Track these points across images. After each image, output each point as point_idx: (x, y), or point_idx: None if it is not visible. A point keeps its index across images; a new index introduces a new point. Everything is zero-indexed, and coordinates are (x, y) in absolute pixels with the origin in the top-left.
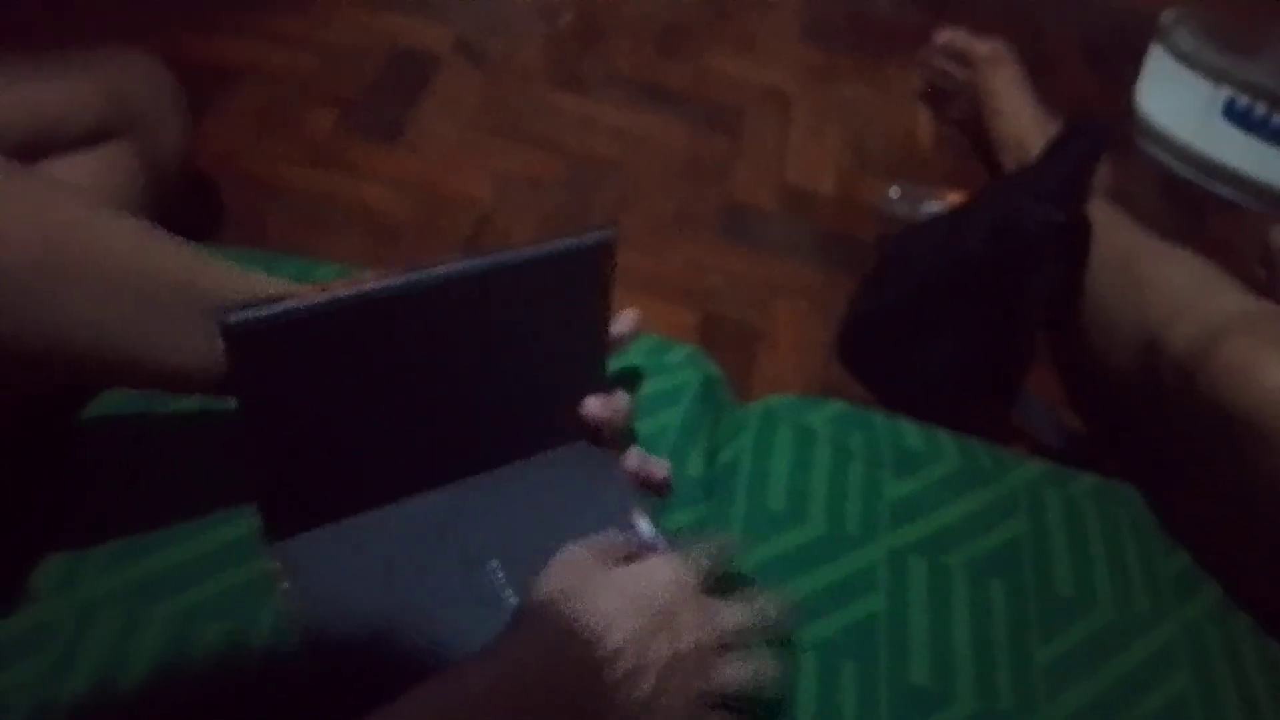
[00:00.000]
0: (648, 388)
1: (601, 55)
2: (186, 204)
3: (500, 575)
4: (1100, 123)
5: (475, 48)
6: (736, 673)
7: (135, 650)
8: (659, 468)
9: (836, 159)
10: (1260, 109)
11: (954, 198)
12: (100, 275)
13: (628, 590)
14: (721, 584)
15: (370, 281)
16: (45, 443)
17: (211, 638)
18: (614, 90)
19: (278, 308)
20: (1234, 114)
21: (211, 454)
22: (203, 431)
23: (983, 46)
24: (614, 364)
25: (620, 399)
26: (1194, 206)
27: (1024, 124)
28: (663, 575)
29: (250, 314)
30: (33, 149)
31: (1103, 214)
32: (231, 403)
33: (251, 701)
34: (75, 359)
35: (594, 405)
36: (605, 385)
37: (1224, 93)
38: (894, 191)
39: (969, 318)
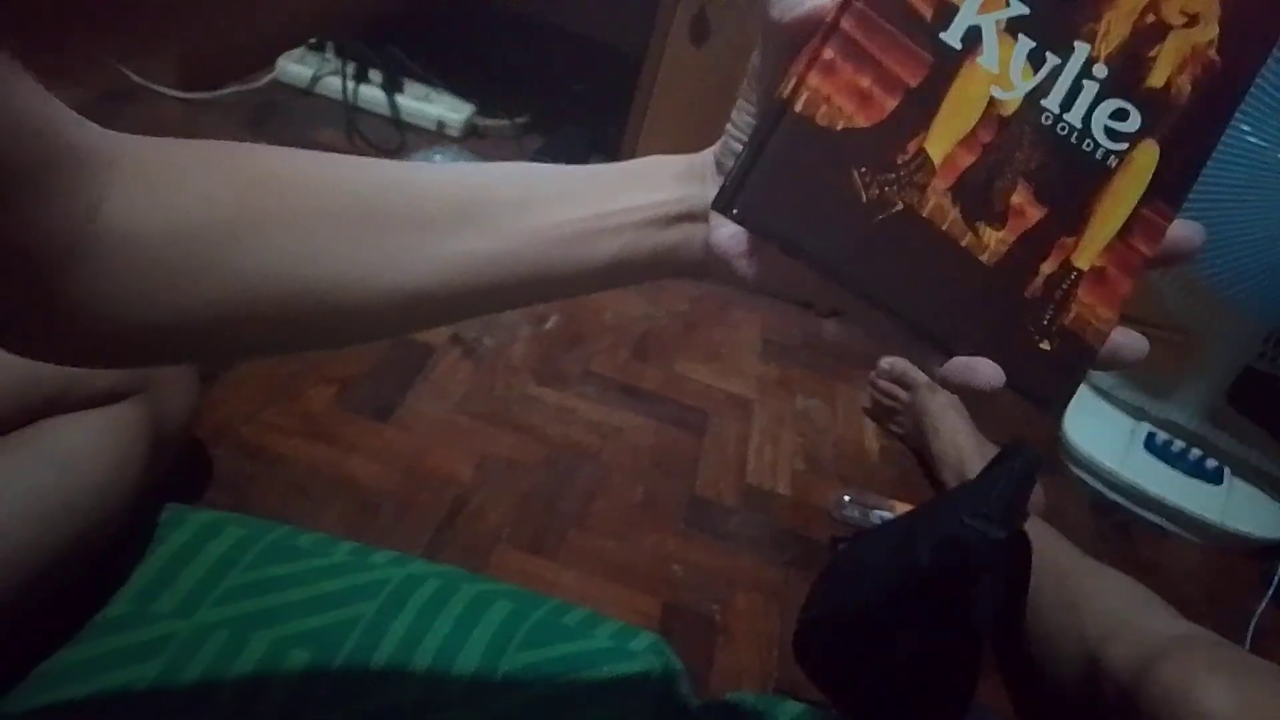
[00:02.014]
0: (611, 671)
1: (582, 355)
2: (177, 465)
3: None
4: (1032, 449)
5: (469, 342)
6: None
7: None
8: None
9: (792, 464)
10: (1177, 444)
11: (902, 507)
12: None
13: None
14: None
15: None
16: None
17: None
18: (591, 387)
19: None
20: (1154, 447)
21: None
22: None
23: (922, 373)
24: (578, 645)
25: None
26: (1123, 529)
27: (961, 444)
28: None
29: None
30: (45, 407)
31: (1039, 533)
32: None
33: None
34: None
35: None
36: None
37: (1143, 427)
38: (844, 498)
39: (920, 628)
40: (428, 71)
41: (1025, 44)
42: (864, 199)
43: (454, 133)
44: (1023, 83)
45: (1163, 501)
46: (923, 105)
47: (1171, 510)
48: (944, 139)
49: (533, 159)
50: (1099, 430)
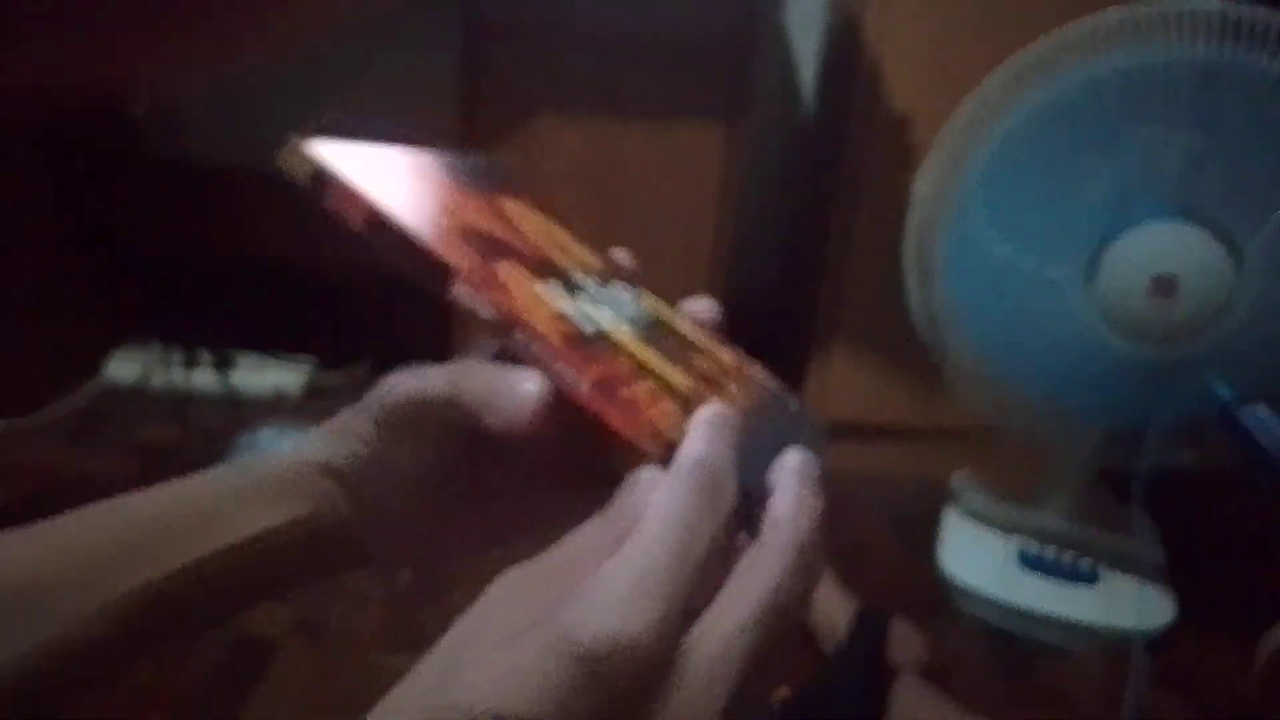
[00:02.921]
0: None
1: (442, 610)
2: None
3: None
4: (878, 609)
5: (313, 624)
6: None
7: None
8: None
9: None
10: (1050, 551)
11: (782, 692)
12: None
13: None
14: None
15: None
16: None
17: None
18: None
19: None
20: (1028, 560)
21: None
22: None
23: None
24: None
25: None
26: (1020, 657)
27: (832, 613)
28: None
29: None
30: None
31: (913, 696)
32: None
33: None
34: None
35: None
36: None
37: (1016, 542)
38: None
39: None
40: (258, 339)
41: (580, 300)
42: None
43: (294, 398)
44: (603, 313)
45: (1048, 616)
46: (656, 375)
47: (1057, 623)
48: (672, 378)
49: None
50: (974, 555)
